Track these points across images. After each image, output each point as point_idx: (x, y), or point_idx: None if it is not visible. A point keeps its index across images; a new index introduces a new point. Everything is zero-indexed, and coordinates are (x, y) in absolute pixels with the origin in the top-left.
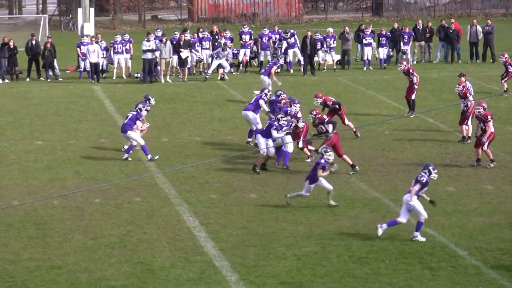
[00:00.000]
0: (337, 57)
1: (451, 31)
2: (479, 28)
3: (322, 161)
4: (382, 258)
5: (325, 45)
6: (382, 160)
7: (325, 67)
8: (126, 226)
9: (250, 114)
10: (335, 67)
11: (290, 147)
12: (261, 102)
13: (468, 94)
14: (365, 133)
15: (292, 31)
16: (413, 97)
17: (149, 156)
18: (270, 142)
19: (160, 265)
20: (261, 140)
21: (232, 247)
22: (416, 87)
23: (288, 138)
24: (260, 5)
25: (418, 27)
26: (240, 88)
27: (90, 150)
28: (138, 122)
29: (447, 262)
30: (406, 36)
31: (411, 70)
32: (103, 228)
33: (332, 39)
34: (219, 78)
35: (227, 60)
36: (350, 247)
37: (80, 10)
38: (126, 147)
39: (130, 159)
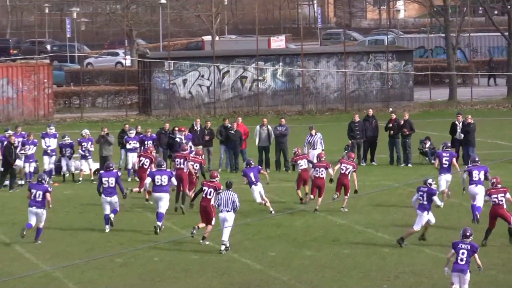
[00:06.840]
0: (96, 165)
1: (233, 132)
2: (270, 128)
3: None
4: None
5: (80, 150)
6: None
7: (80, 178)
8: None
9: None
10: (92, 178)
11: None
12: None
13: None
14: (131, 259)
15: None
16: None
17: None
18: None
19: None
20: None
21: None
22: None
23: None
24: (0, 101)
25: (196, 128)
26: None
27: None
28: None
29: None
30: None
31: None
32: None
33: (89, 143)
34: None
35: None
36: None
37: None
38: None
39: None
